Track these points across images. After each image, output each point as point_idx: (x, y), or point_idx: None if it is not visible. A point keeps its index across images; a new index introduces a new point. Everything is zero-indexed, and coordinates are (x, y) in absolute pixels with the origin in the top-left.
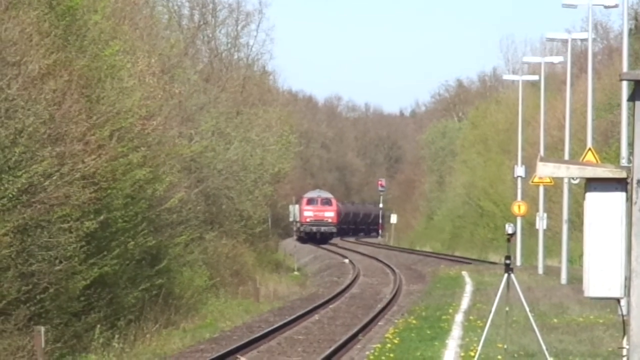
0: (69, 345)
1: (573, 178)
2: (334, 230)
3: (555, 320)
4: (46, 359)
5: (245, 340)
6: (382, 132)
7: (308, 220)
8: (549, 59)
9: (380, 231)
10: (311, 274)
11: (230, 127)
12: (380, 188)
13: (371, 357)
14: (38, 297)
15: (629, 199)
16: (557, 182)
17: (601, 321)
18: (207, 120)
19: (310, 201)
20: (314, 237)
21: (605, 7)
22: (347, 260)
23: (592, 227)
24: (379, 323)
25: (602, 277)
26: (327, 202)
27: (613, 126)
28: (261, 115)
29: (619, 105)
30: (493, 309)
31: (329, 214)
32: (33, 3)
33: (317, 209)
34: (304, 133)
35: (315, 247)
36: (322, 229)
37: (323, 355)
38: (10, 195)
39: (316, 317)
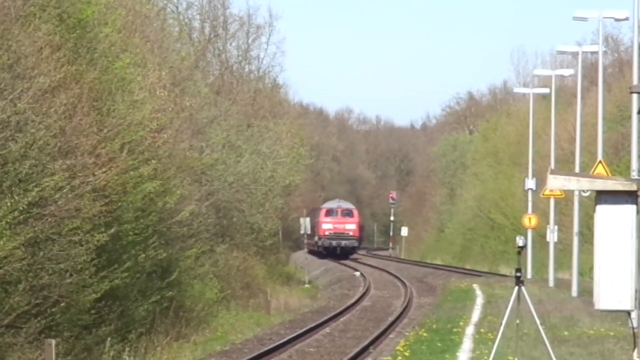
0: (79, 359)
1: (584, 191)
2: (356, 244)
3: (566, 332)
4: None
5: (256, 353)
6: (393, 144)
7: (327, 233)
8: (559, 71)
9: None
10: (322, 287)
11: (241, 140)
12: (391, 201)
13: None
14: (49, 310)
15: None
16: (568, 194)
17: (612, 334)
18: (218, 133)
19: (330, 212)
20: (334, 252)
21: (616, 19)
22: (357, 273)
23: (602, 240)
24: (390, 336)
25: (612, 289)
26: (348, 213)
27: (624, 139)
28: (272, 128)
29: (630, 117)
30: (504, 322)
31: (350, 226)
32: (43, 16)
33: (337, 221)
34: (315, 146)
35: (326, 260)
36: (343, 243)
37: None
38: (21, 209)
39: (327, 329)
